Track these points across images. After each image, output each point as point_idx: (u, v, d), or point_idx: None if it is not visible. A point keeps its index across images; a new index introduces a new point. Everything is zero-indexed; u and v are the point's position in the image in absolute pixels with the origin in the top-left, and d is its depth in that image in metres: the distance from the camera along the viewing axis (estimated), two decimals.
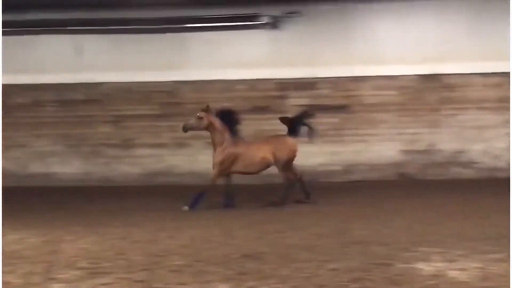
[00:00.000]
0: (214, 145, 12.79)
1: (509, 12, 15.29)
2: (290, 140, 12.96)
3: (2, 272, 7.23)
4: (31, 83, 17.76)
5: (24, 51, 17.73)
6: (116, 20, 17.10)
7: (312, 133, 13.12)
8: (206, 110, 12.76)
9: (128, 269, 7.35)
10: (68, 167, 17.90)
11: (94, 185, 17.30)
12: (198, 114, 12.76)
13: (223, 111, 13.05)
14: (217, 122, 12.71)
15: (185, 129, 12.74)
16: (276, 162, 12.82)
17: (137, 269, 7.32)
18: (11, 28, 17.00)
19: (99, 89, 17.76)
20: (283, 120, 13.36)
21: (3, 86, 17.11)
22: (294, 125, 13.08)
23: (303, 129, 13.08)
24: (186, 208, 12.27)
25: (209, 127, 12.73)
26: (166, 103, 17.69)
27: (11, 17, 16.80)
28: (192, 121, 12.79)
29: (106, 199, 14.63)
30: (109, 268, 7.38)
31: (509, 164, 16.52)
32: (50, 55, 17.74)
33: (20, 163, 17.91)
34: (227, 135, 12.76)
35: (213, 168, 12.77)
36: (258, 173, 13.06)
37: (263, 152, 12.81)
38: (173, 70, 17.49)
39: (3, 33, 16.36)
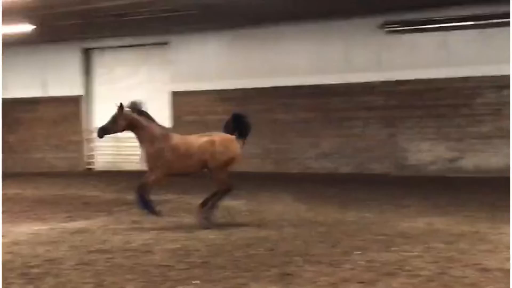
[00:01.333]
0: (142, 143, 11.66)
1: None
2: (234, 140, 11.92)
3: None
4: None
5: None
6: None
7: (247, 132, 12.16)
8: (121, 109, 11.56)
9: None
10: None
11: None
12: (113, 115, 11.58)
13: (234, 116, 12.30)
14: (139, 119, 11.55)
15: (100, 133, 11.53)
16: (213, 162, 11.65)
17: None
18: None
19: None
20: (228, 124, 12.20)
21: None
22: (233, 125, 12.08)
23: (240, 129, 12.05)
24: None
25: (130, 126, 11.56)
26: None
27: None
28: (108, 123, 11.56)
29: None
30: None
31: None
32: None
33: None
34: (155, 131, 11.59)
35: (149, 169, 11.60)
36: (195, 174, 12.00)
37: (199, 150, 11.67)
38: None
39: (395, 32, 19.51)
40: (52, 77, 24.53)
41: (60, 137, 24.49)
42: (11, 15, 17.73)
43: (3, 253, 9.69)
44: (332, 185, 17.92)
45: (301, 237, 10.60)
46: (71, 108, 24.40)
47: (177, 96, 22.90)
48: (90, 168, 24.30)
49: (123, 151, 23.86)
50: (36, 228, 11.93)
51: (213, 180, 11.81)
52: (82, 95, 24.34)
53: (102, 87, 24.42)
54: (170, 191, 16.72)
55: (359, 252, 9.25)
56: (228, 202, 14.69)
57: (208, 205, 11.88)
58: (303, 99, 21.59)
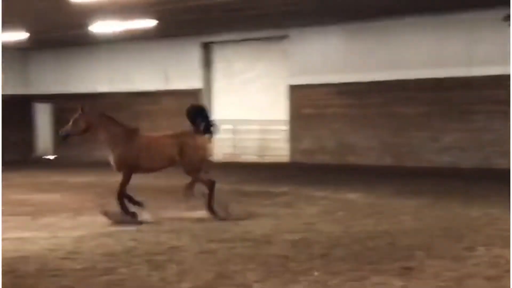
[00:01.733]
0: (107, 145, 11.59)
1: None
2: (201, 137, 11.78)
3: None
4: None
5: None
6: None
7: (214, 129, 11.89)
8: (82, 111, 11.51)
9: None
10: None
11: None
12: (73, 117, 11.52)
13: (193, 108, 12.04)
14: (101, 121, 11.53)
15: (62, 136, 11.65)
16: (185, 161, 11.59)
17: None
18: None
19: None
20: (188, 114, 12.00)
21: None
22: (195, 120, 11.87)
23: (203, 125, 11.82)
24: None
25: (90, 129, 11.53)
26: None
27: None
28: (68, 126, 11.56)
29: None
30: None
31: None
32: None
33: None
34: (118, 131, 11.51)
35: (117, 170, 11.61)
36: (160, 171, 12.03)
37: (167, 147, 11.56)
38: None
39: None
40: (173, 70, 25.06)
41: (180, 128, 24.91)
42: (135, 11, 18.22)
43: (127, 239, 9.98)
44: (454, 180, 17.49)
45: (423, 231, 10.40)
46: (191, 101, 24.79)
47: (294, 90, 22.93)
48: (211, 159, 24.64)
49: (242, 143, 24.12)
50: (157, 217, 12.19)
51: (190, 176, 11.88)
52: (201, 88, 24.76)
53: (221, 81, 24.73)
54: (286, 184, 16.77)
55: (483, 248, 8.99)
56: (345, 195, 14.62)
57: (211, 206, 11.79)
58: (423, 92, 21.18)
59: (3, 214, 12.69)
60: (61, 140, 11.91)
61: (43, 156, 28.02)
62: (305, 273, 7.82)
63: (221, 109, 24.45)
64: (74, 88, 27.31)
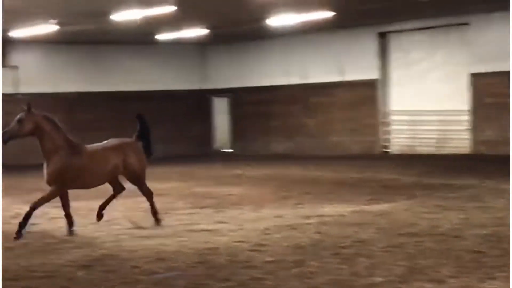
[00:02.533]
0: (46, 153, 10.07)
1: None
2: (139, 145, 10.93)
3: None
4: None
5: None
6: None
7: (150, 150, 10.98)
8: (28, 110, 9.99)
9: None
10: None
11: None
12: (18, 117, 10.01)
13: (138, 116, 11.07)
14: (47, 124, 10.05)
15: (4, 139, 10.00)
16: (130, 173, 10.70)
17: None
18: None
19: None
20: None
21: None
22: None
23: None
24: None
25: (36, 131, 10.00)
26: None
27: None
28: (11, 126, 10.02)
29: None
30: None
31: None
32: None
33: None
34: (62, 141, 10.10)
35: (48, 182, 10.18)
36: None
37: (112, 160, 10.49)
38: None
39: None
40: (348, 62, 24.85)
41: (356, 120, 24.74)
42: (313, 3, 18.22)
43: (312, 232, 9.96)
44: None
45: None
46: (366, 92, 24.54)
47: (477, 78, 22.09)
48: (386, 151, 24.30)
49: (420, 134, 23.56)
50: (340, 209, 12.13)
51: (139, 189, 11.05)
52: (377, 79, 24.40)
53: (398, 71, 24.23)
54: (469, 176, 16.18)
55: None
56: None
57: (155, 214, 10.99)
58: None
59: (190, 206, 13.11)
60: (3, 142, 10.04)
61: (221, 149, 28.70)
62: (500, 269, 7.45)
63: (397, 100, 24.01)
64: (250, 82, 27.73)
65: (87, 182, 10.56)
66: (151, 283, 7.43)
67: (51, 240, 10.01)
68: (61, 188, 10.18)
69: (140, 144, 11.01)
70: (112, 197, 11.12)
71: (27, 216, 10.02)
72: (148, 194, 10.97)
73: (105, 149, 10.61)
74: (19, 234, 9.96)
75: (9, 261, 8.59)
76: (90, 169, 10.31)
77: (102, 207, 11.06)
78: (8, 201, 13.67)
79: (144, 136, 11.04)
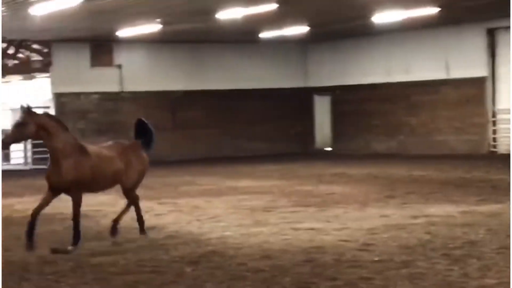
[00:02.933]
0: (55, 155, 9.24)
1: None
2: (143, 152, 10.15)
3: None
4: None
5: None
6: None
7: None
8: (28, 111, 9.20)
9: None
10: None
11: None
12: (17, 120, 9.30)
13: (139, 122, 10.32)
14: (51, 124, 9.27)
15: (5, 144, 9.42)
16: (127, 178, 9.84)
17: None
18: None
19: None
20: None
21: None
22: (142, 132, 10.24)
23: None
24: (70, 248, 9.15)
25: (40, 133, 9.18)
26: None
27: None
28: (14, 131, 9.26)
29: None
30: None
31: None
32: None
33: None
34: (71, 140, 9.39)
35: (71, 189, 9.35)
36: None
37: (116, 163, 9.74)
38: None
39: None
40: (454, 58, 24.26)
41: (462, 119, 24.15)
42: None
43: (420, 232, 9.73)
44: None
45: None
46: (474, 90, 23.92)
47: None
48: (493, 151, 23.60)
49: None
50: (448, 209, 11.82)
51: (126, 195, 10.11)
52: (486, 76, 23.72)
53: (507, 68, 23.50)
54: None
55: None
56: None
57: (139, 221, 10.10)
58: None
59: (292, 204, 13.04)
60: (2, 148, 9.58)
61: (323, 148, 28.54)
62: None
63: (505, 98, 23.27)
64: (351, 80, 27.44)
65: (96, 187, 9.91)
66: (258, 281, 7.39)
67: (158, 236, 10.12)
68: (81, 190, 9.50)
69: (142, 149, 10.28)
70: (126, 209, 10.28)
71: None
72: (134, 200, 10.14)
73: (109, 150, 9.94)
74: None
75: (117, 256, 8.73)
76: (99, 170, 9.61)
77: (116, 221, 10.16)
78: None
79: (146, 138, 10.29)
